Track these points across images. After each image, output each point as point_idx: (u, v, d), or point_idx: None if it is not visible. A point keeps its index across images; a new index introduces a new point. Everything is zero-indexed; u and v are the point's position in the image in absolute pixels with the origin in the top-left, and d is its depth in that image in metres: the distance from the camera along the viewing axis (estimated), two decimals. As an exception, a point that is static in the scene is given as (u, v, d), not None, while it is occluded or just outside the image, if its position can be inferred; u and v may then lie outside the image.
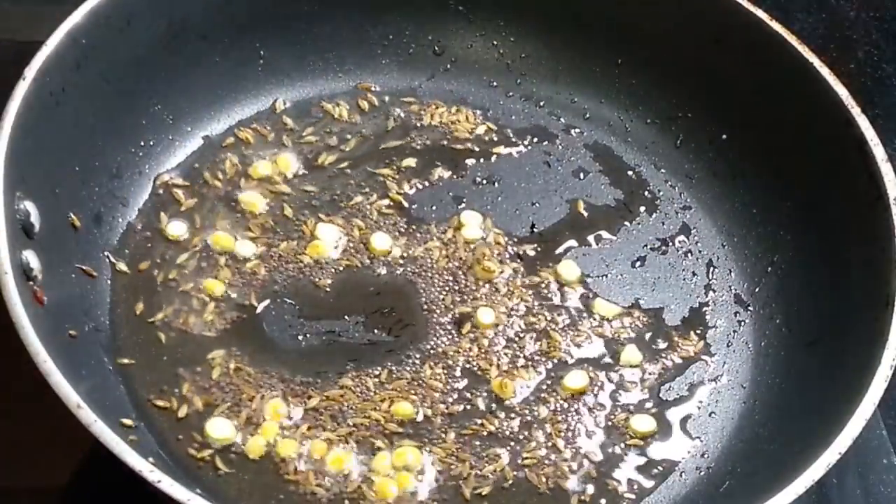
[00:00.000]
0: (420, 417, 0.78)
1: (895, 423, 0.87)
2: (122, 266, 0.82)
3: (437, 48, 1.00)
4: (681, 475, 0.79)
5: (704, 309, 0.88)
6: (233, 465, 0.74)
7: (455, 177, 0.93)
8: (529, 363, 0.82)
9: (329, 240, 0.87)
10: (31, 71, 0.75)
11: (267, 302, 0.83)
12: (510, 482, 0.76)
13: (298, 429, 0.76)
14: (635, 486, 0.78)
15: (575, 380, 0.82)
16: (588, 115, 0.99)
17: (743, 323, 0.87)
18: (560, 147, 0.97)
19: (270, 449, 0.75)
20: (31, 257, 0.71)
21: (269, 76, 0.95)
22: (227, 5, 0.91)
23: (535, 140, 0.97)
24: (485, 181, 0.94)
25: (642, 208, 0.94)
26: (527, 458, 0.77)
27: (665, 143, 0.97)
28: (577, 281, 0.88)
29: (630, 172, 0.96)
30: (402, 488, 0.75)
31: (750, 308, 0.88)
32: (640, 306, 0.87)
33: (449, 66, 1.00)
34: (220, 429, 0.75)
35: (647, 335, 0.85)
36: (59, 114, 0.78)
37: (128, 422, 0.73)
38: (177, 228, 0.86)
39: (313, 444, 0.76)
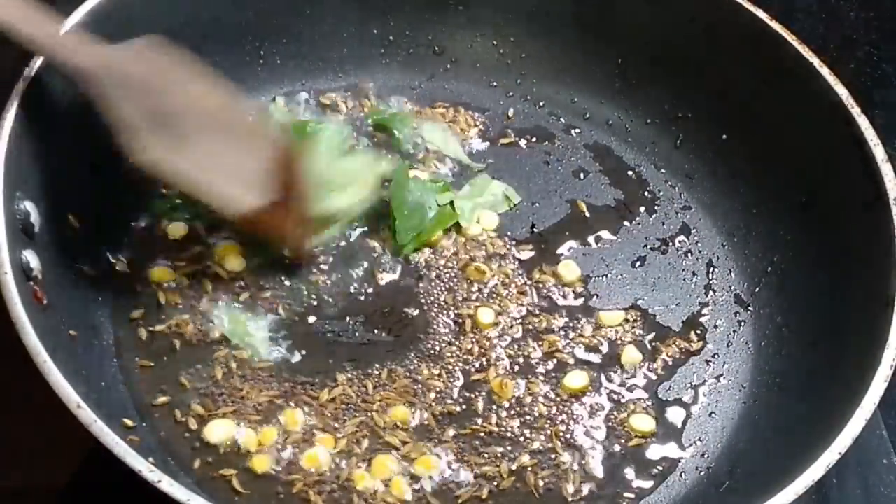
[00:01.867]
0: (417, 420, 0.78)
1: (895, 423, 0.87)
2: (121, 266, 0.82)
3: (437, 48, 1.00)
4: (681, 475, 0.79)
5: (704, 309, 0.88)
6: (233, 466, 0.74)
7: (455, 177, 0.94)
8: (529, 363, 0.82)
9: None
10: (31, 71, 0.75)
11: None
12: (509, 482, 0.76)
13: (298, 429, 0.76)
14: (635, 486, 0.78)
15: (575, 380, 0.82)
16: (588, 115, 0.99)
17: (743, 323, 0.87)
18: (560, 147, 0.97)
19: (269, 453, 0.75)
20: (31, 257, 0.71)
21: (269, 76, 0.95)
22: (226, 5, 0.91)
23: (535, 140, 0.97)
24: (485, 181, 0.94)
25: (642, 208, 0.94)
26: (526, 458, 0.77)
27: (665, 143, 0.97)
28: (577, 281, 0.88)
29: (630, 172, 0.96)
30: (398, 490, 0.75)
31: (750, 308, 0.88)
32: (640, 307, 0.87)
33: (449, 66, 1.00)
34: (219, 431, 0.75)
35: (647, 335, 0.85)
36: (59, 114, 0.78)
37: (128, 422, 0.73)
38: (177, 229, 0.85)
39: (314, 442, 0.76)
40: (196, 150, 0.76)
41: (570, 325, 0.85)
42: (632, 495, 0.77)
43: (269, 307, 0.82)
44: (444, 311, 0.84)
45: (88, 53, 0.74)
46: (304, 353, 0.80)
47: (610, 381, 0.82)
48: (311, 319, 0.82)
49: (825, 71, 0.85)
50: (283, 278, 0.84)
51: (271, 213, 0.79)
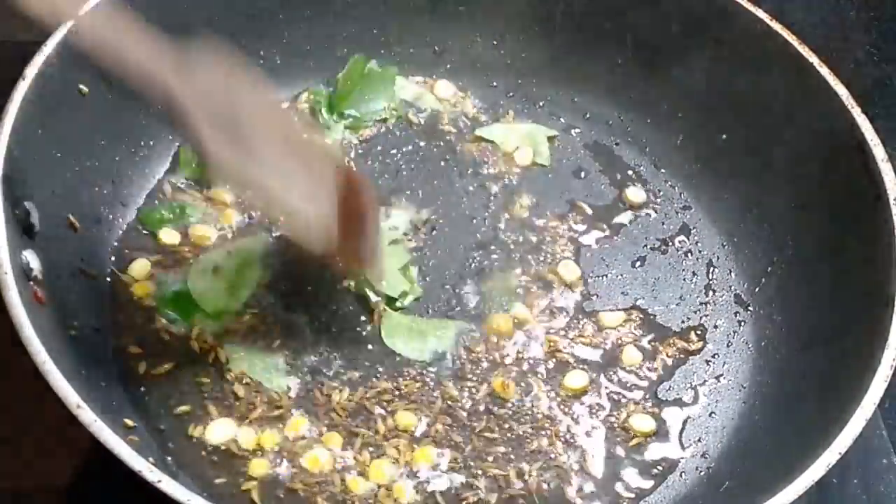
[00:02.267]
0: (423, 425, 0.78)
1: (895, 423, 0.87)
2: (121, 266, 0.82)
3: (437, 48, 1.00)
4: (681, 475, 0.79)
5: (704, 309, 0.88)
6: (234, 467, 0.74)
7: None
8: (530, 364, 0.82)
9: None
10: (31, 71, 0.75)
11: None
12: (511, 483, 0.76)
13: (300, 433, 0.76)
14: (635, 486, 0.78)
15: (575, 380, 0.82)
16: (588, 115, 0.99)
17: (743, 323, 0.87)
18: (560, 147, 0.97)
19: (268, 457, 0.75)
20: (31, 257, 0.71)
21: (269, 76, 0.95)
22: (225, 6, 0.91)
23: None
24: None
25: (642, 208, 0.94)
26: (527, 458, 0.77)
27: (665, 143, 0.97)
28: (577, 281, 0.88)
29: (630, 172, 0.96)
30: (399, 493, 0.75)
31: (750, 308, 0.88)
32: (640, 307, 0.87)
33: (449, 66, 1.00)
34: (219, 431, 0.75)
35: (647, 335, 0.85)
36: (59, 114, 0.78)
37: (128, 422, 0.73)
38: (173, 236, 0.85)
39: (315, 446, 0.76)
40: (269, 166, 0.70)
41: (571, 325, 0.85)
42: (632, 495, 0.77)
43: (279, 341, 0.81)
44: (445, 312, 0.85)
45: (169, 67, 0.68)
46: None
47: (610, 381, 0.83)
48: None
49: (825, 71, 0.85)
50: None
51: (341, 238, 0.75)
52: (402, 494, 0.74)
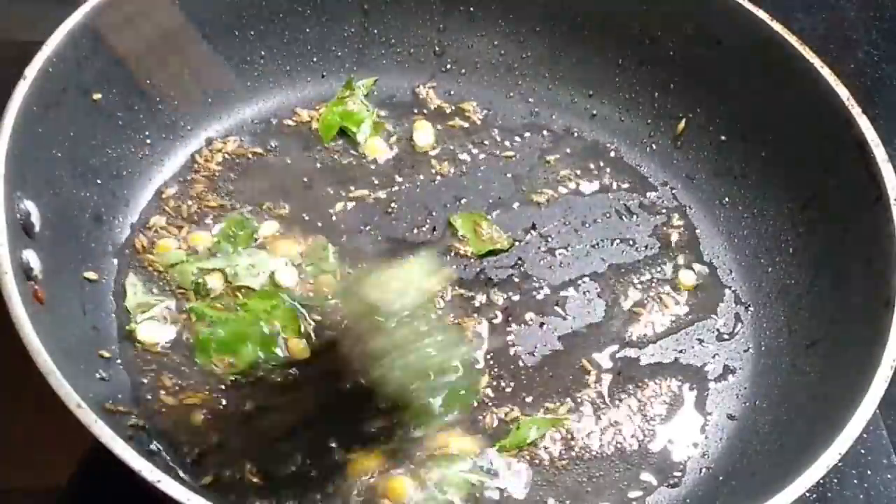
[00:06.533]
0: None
1: (895, 423, 0.87)
2: (121, 267, 0.82)
3: (437, 48, 1.00)
4: (681, 475, 0.79)
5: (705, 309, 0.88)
6: (234, 467, 0.74)
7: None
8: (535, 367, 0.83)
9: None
10: (31, 71, 0.75)
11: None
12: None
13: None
14: (636, 487, 0.78)
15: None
16: (588, 115, 0.99)
17: (743, 323, 0.87)
18: (560, 147, 0.97)
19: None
20: (31, 257, 0.71)
21: (269, 76, 0.95)
22: (226, 6, 0.91)
23: (536, 140, 0.97)
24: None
25: (642, 208, 0.94)
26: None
27: (665, 143, 0.97)
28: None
29: (630, 172, 0.96)
30: None
31: (750, 308, 0.88)
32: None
33: (449, 66, 1.00)
34: None
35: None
36: (59, 114, 0.78)
37: (129, 422, 0.73)
38: (172, 242, 0.85)
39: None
40: None
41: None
42: (633, 495, 0.77)
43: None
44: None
45: None
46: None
47: (612, 382, 0.82)
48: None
49: (825, 71, 0.85)
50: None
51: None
52: None
